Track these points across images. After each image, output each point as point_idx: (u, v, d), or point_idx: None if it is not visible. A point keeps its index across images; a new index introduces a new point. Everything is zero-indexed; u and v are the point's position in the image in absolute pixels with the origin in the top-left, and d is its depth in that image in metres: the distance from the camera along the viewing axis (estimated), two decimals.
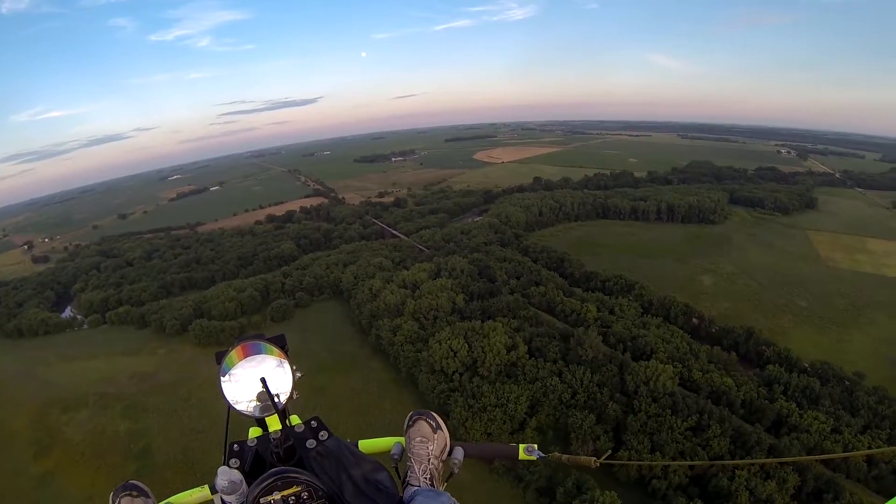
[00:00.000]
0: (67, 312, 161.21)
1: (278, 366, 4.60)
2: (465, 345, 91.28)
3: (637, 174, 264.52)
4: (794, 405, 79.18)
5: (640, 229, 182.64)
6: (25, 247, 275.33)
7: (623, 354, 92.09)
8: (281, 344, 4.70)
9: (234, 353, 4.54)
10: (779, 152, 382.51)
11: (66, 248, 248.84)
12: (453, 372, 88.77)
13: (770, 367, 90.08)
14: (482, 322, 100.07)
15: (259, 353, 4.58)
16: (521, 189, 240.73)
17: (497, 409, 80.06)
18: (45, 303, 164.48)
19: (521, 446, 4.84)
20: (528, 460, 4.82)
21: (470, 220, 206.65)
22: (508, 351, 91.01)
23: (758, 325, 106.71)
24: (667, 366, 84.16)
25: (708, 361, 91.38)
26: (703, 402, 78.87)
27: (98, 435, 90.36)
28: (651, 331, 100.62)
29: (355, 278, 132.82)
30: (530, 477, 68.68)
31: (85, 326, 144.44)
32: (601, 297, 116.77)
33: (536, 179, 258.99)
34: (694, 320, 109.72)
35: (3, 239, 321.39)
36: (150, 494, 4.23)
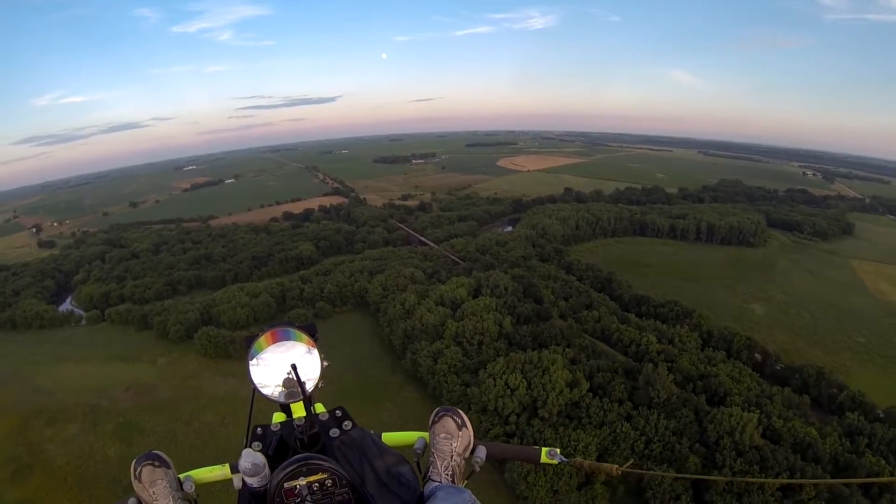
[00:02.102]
0: (66, 305, 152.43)
1: (307, 353, 4.53)
2: (524, 381, 77.92)
3: (668, 190, 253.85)
4: (882, 461, 69.18)
5: (679, 249, 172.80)
6: (33, 230, 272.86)
7: (697, 397, 79.88)
8: (311, 332, 4.64)
9: (263, 339, 4.48)
10: (804, 174, 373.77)
11: (73, 234, 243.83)
12: (510, 413, 75.61)
13: (850, 414, 78.88)
14: (536, 351, 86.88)
15: (288, 339, 4.53)
16: (552, 199, 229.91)
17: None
18: (43, 293, 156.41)
19: (544, 449, 4.68)
20: (550, 464, 4.67)
21: (500, 229, 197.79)
22: (570, 388, 78.35)
23: (819, 361, 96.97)
24: (751, 414, 72.47)
25: (785, 407, 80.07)
26: (793, 458, 68.10)
27: (85, 458, 78.47)
28: (720, 368, 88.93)
29: (384, 290, 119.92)
30: None
31: (82, 323, 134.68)
32: (658, 326, 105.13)
33: (567, 190, 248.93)
34: (756, 356, 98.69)
35: (12, 220, 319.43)
36: (171, 465, 4.28)
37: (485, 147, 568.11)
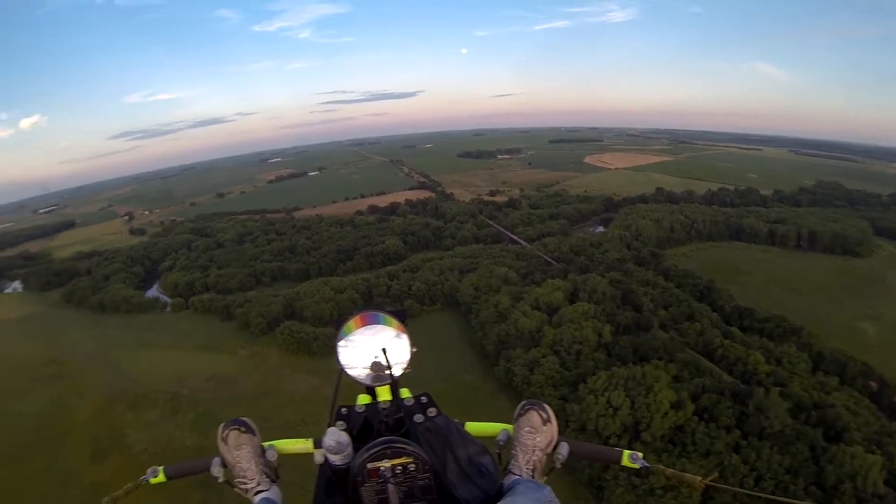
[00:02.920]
0: (153, 291, 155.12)
1: (396, 337, 4.53)
2: (627, 399, 70.81)
3: (763, 192, 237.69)
4: None
5: (778, 257, 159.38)
6: (126, 217, 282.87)
7: (813, 430, 69.99)
8: (401, 318, 4.64)
9: (352, 322, 4.54)
10: None
11: (162, 223, 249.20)
12: (610, 434, 68.57)
13: None
14: (639, 366, 79.38)
15: (377, 323, 4.54)
16: (643, 199, 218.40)
17: (668, 492, 60.30)
18: (132, 278, 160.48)
19: (626, 452, 4.45)
20: (631, 468, 4.43)
21: (591, 229, 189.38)
22: (675, 410, 70.54)
23: None
24: (875, 456, 62.89)
25: None
26: None
27: (162, 446, 76.74)
28: (834, 397, 78.46)
29: (476, 290, 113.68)
30: None
31: (167, 310, 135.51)
32: (764, 343, 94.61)
33: (658, 190, 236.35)
34: (872, 384, 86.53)
35: (107, 209, 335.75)
36: (257, 433, 4.37)
37: (570, 143, 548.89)
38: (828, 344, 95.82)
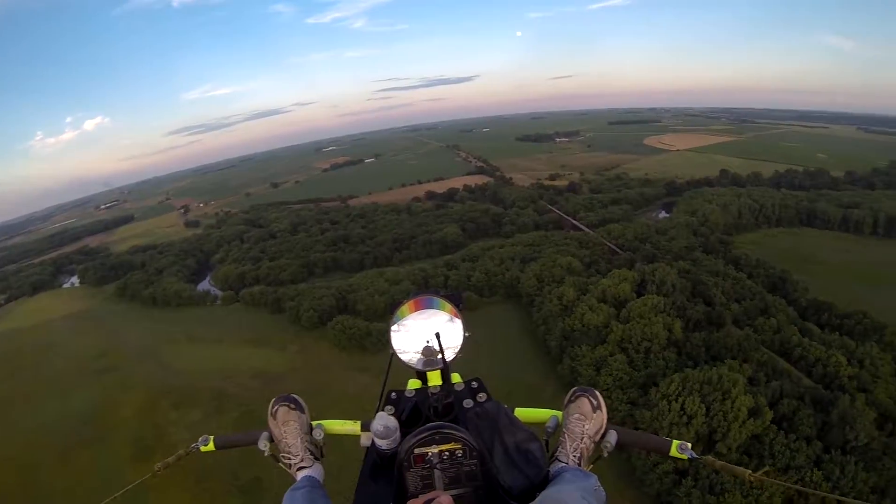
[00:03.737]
0: (205, 284, 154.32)
1: (449, 322, 4.48)
2: (702, 406, 64.38)
3: (833, 173, 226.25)
4: None
5: (854, 244, 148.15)
6: (182, 210, 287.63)
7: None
8: (456, 302, 4.58)
9: (406, 306, 4.54)
10: None
11: (216, 214, 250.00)
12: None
13: None
14: (714, 368, 72.38)
15: (431, 307, 4.52)
16: (707, 182, 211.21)
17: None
18: (184, 271, 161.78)
19: (675, 442, 4.22)
20: (680, 458, 4.22)
21: (654, 214, 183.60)
22: (752, 417, 63.88)
23: None
24: None
25: None
26: None
27: None
28: None
29: (539, 281, 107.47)
30: None
31: (217, 303, 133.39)
32: (845, 343, 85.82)
33: (723, 172, 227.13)
34: None
35: (165, 202, 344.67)
36: (306, 411, 4.41)
37: (628, 125, 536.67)
38: None
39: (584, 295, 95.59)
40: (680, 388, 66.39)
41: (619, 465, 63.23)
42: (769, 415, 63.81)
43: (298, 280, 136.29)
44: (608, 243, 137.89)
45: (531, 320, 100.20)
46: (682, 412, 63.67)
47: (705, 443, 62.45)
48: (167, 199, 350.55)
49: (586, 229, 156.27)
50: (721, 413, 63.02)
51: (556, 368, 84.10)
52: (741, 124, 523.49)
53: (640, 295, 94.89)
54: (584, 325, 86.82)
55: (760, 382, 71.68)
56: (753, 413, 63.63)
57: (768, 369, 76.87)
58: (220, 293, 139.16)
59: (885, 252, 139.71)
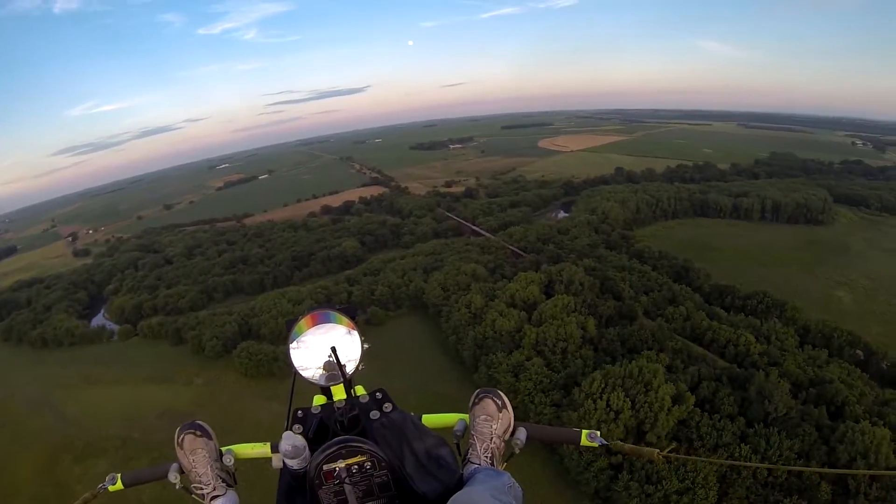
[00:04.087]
0: (99, 318, 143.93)
1: (347, 335, 4.49)
2: (627, 400, 65.21)
3: (720, 166, 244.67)
4: None
5: (745, 230, 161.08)
6: (70, 238, 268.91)
7: (817, 409, 67.24)
8: (351, 314, 4.60)
9: (303, 322, 4.50)
10: (854, 144, 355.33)
11: (108, 241, 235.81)
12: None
13: None
14: (633, 362, 73.25)
15: (328, 321, 4.51)
16: (604, 181, 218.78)
17: (682, 496, 56.73)
18: (75, 306, 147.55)
19: (584, 432, 4.47)
20: (591, 446, 4.50)
21: (553, 214, 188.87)
22: (676, 404, 66.06)
23: None
24: (884, 430, 61.39)
25: None
26: None
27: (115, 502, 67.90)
28: (828, 371, 77.03)
29: (444, 290, 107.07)
30: None
31: (114, 338, 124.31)
32: (751, 322, 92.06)
33: (618, 170, 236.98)
34: (858, 353, 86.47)
35: (50, 230, 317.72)
36: (213, 437, 4.32)
37: (522, 129, 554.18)
38: (808, 316, 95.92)
39: (493, 301, 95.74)
40: (603, 385, 67.59)
41: (554, 465, 64.30)
42: (691, 399, 67.16)
43: (198, 307, 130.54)
44: (510, 247, 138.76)
45: (441, 331, 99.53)
46: (608, 408, 64.73)
47: (634, 435, 64.37)
48: (53, 226, 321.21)
49: (487, 234, 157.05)
50: (646, 404, 65.06)
51: (472, 377, 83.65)
52: (631, 124, 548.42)
53: (549, 296, 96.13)
54: (496, 332, 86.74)
55: (678, 369, 74.84)
56: (676, 400, 66.53)
57: (684, 356, 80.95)
58: (116, 327, 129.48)
59: (774, 235, 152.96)
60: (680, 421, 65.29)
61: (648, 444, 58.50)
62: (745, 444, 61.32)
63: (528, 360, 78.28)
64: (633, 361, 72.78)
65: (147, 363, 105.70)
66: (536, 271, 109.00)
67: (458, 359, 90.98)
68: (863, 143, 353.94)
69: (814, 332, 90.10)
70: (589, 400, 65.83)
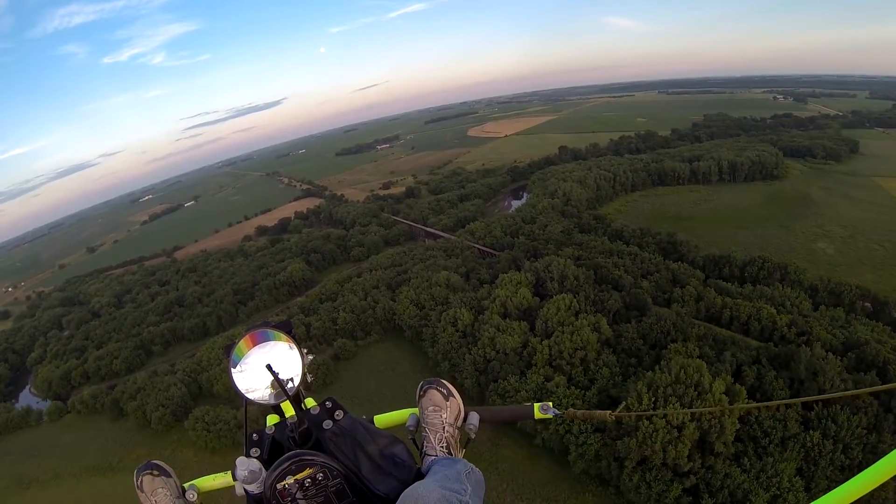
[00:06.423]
0: (26, 395, 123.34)
1: (289, 349, 4.42)
2: (687, 412, 55.17)
3: (661, 133, 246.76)
4: None
5: (709, 193, 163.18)
6: None
7: (867, 375, 62.32)
8: (287, 329, 4.49)
9: (242, 344, 4.38)
10: (775, 98, 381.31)
11: (28, 298, 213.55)
12: (680, 460, 53.83)
13: None
14: (666, 362, 63.55)
15: (268, 339, 4.41)
16: (550, 161, 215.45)
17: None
18: None
19: (536, 405, 4.61)
20: (546, 418, 4.65)
21: (505, 203, 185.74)
22: (730, 402, 57.10)
23: None
24: None
25: None
26: None
27: None
28: (858, 330, 73.11)
29: (419, 308, 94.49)
30: None
31: (44, 420, 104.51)
32: (763, 291, 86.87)
33: (563, 149, 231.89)
34: (867, 305, 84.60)
35: None
36: (172, 474, 4.29)
37: (445, 121, 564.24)
38: (829, 276, 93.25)
39: (483, 314, 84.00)
40: (653, 399, 57.18)
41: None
42: (743, 392, 59.61)
43: (136, 366, 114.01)
44: (477, 245, 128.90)
45: (425, 356, 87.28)
46: (670, 427, 54.45)
47: (700, 450, 55.31)
48: None
49: (444, 234, 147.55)
50: (709, 414, 54.42)
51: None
52: (555, 103, 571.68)
53: (542, 297, 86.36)
54: (498, 352, 74.75)
55: (710, 358, 66.52)
56: (728, 395, 58.59)
57: (710, 341, 73.05)
58: (45, 405, 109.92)
59: (738, 195, 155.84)
60: (740, 419, 56.61)
61: (714, 455, 54.52)
62: (814, 432, 54.88)
63: (548, 381, 66.89)
64: (671, 360, 62.65)
65: (87, 448, 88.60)
66: (519, 270, 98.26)
67: (457, 388, 77.38)
68: (784, 98, 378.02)
69: (822, 291, 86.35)
70: (644, 421, 53.78)
